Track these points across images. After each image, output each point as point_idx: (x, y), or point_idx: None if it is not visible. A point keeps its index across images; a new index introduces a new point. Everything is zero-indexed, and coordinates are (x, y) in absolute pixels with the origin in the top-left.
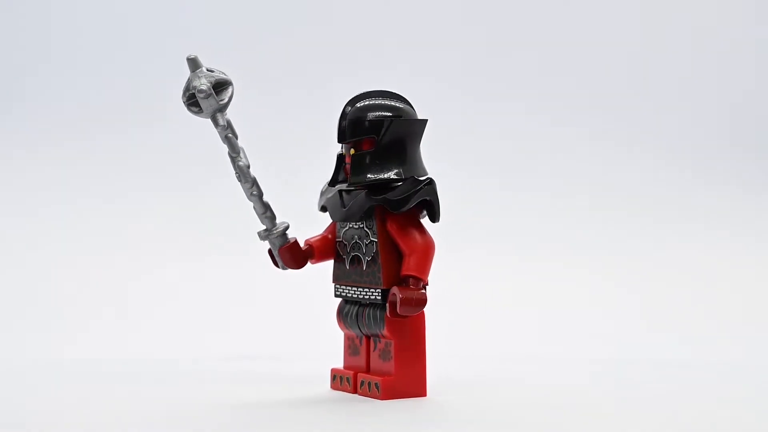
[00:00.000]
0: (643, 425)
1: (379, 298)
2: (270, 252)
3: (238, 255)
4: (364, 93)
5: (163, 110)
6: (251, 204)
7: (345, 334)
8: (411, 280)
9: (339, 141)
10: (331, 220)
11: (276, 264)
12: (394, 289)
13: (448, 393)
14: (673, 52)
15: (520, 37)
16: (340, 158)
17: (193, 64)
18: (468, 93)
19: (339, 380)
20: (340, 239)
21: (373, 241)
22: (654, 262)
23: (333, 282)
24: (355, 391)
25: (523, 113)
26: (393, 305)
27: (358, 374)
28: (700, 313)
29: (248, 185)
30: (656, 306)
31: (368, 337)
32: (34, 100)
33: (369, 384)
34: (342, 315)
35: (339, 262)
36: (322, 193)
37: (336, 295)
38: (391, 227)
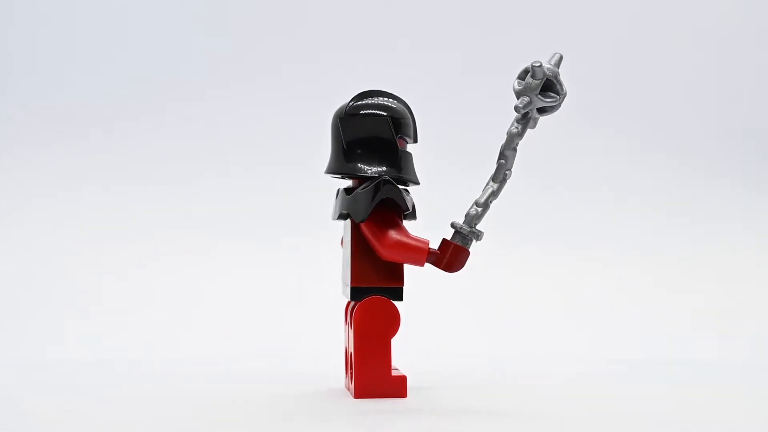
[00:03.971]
0: (643, 422)
1: None
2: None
3: (237, 254)
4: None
5: (164, 109)
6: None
7: None
8: None
9: (415, 141)
10: (413, 220)
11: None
12: None
13: (450, 388)
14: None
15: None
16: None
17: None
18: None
19: None
20: None
21: None
22: (660, 261)
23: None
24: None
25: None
26: None
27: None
28: (705, 314)
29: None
30: (658, 307)
31: None
32: (30, 96)
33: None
34: None
35: None
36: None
37: None
38: None
